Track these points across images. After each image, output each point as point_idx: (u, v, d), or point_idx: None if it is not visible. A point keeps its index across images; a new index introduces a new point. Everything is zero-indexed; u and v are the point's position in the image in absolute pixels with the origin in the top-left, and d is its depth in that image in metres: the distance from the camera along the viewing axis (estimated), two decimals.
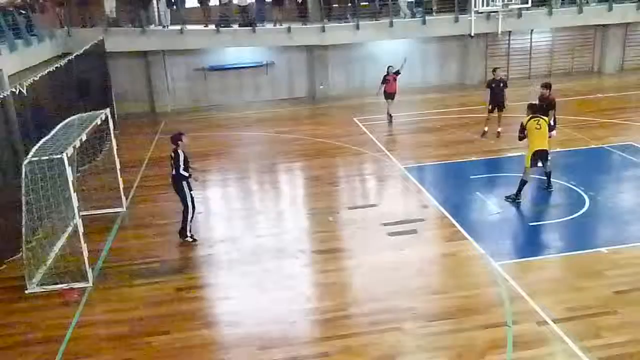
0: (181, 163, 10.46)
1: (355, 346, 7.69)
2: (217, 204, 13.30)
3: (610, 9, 23.33)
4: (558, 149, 14.57)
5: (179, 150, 10.54)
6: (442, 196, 12.33)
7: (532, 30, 24.12)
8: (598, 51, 24.98)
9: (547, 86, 13.47)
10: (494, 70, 16.56)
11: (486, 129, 16.27)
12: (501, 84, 15.94)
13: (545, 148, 11.63)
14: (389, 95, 18.77)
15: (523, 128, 11.67)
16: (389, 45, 22.99)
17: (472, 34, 22.89)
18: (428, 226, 11.11)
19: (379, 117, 19.35)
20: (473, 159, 14.64)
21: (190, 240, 10.91)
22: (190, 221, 10.91)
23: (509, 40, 24.14)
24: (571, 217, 11.08)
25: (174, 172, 10.61)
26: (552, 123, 12.88)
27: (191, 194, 10.78)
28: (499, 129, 16.07)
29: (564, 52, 24.85)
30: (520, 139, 11.77)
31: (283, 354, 7.64)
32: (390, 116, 18.79)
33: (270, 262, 10.21)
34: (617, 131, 16.22)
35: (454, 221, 11.11)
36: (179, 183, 10.65)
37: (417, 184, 13.18)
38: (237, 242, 10.93)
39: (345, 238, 10.97)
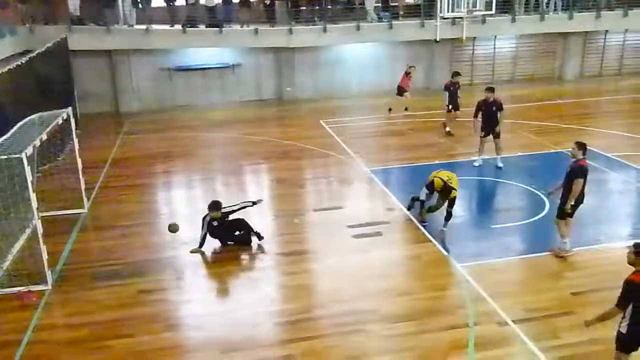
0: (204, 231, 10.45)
1: (320, 348, 7.69)
2: (181, 206, 13.15)
3: (570, 17, 23.91)
4: (519, 153, 14.88)
5: (207, 218, 10.50)
6: (407, 199, 12.41)
7: (495, 37, 24.54)
8: (559, 58, 25.56)
9: (491, 90, 14.09)
10: (457, 74, 17.46)
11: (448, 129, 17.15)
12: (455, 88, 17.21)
13: None
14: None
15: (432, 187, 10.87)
16: (356, 48, 23.11)
17: (438, 39, 23.18)
18: (393, 229, 11.19)
19: (345, 120, 19.45)
20: (437, 162, 14.77)
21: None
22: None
23: (473, 46, 24.51)
24: (532, 220, 11.30)
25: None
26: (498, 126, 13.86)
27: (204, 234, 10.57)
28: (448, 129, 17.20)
29: (527, 59, 25.33)
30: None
31: (246, 357, 7.60)
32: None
33: (234, 264, 10.15)
34: (576, 136, 16.49)
35: (418, 224, 11.22)
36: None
37: (382, 187, 13.27)
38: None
39: (310, 240, 10.98)
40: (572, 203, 9.56)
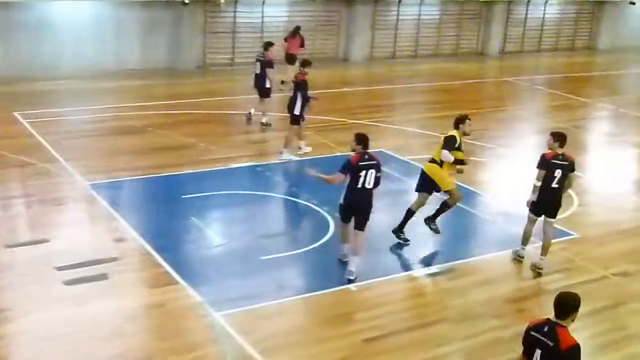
0: None
1: None
2: None
3: None
4: (297, 158, 15.59)
5: None
6: (144, 224, 12.35)
7: (264, 1, 25.51)
8: (344, 34, 27.46)
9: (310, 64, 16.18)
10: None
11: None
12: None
13: None
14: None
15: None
16: (69, 8, 22.52)
17: (187, 1, 23.42)
18: (124, 268, 10.98)
19: (54, 112, 18.86)
20: (186, 171, 14.90)
21: None
22: None
23: (234, 12, 25.22)
24: (312, 246, 11.85)
25: None
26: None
27: None
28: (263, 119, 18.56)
29: (305, 32, 26.70)
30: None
31: None
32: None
33: None
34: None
35: (160, 259, 11.14)
36: None
37: (108, 208, 13.00)
38: None
39: None
40: (340, 201, 10.99)
